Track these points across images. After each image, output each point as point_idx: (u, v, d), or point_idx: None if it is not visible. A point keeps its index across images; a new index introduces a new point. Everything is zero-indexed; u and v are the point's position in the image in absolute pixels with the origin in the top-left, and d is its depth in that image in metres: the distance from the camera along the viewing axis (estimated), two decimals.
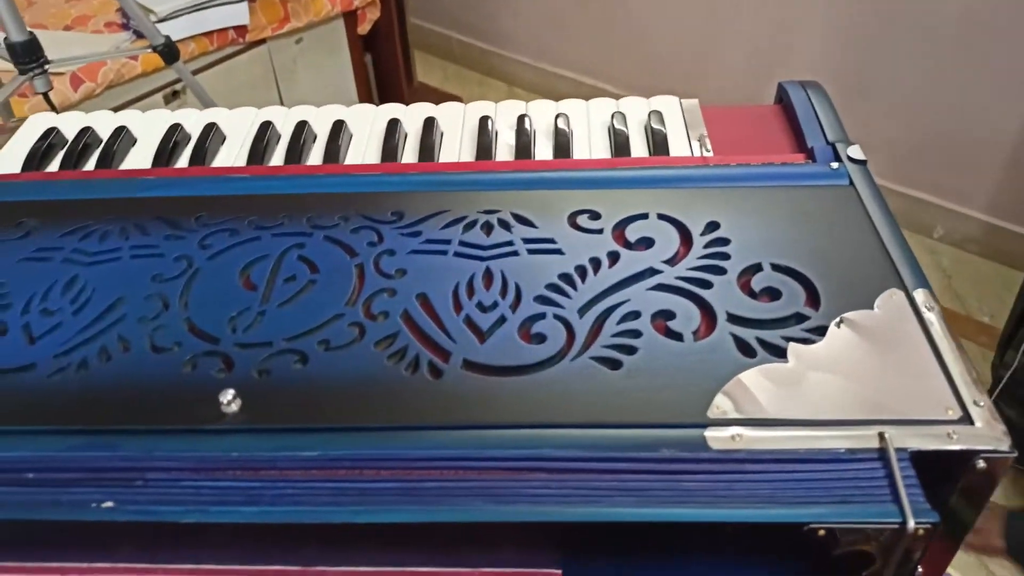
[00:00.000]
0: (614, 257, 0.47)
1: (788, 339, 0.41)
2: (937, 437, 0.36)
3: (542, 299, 0.44)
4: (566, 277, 0.45)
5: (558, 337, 0.42)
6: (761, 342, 0.41)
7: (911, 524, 0.33)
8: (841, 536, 0.34)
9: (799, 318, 0.42)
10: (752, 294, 0.44)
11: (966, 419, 0.37)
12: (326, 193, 0.53)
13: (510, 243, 0.48)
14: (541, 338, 0.42)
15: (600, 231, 0.49)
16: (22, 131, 0.64)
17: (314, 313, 0.44)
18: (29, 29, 1.09)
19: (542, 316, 0.43)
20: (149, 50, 1.41)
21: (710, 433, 0.37)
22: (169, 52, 1.39)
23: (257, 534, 0.37)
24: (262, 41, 1.60)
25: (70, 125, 0.63)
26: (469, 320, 0.43)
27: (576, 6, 1.79)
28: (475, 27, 2.04)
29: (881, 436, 0.36)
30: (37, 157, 0.60)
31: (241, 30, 1.57)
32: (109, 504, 0.36)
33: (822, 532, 0.34)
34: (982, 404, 0.38)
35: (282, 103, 1.37)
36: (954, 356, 0.40)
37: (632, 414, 0.38)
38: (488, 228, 0.49)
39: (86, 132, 0.62)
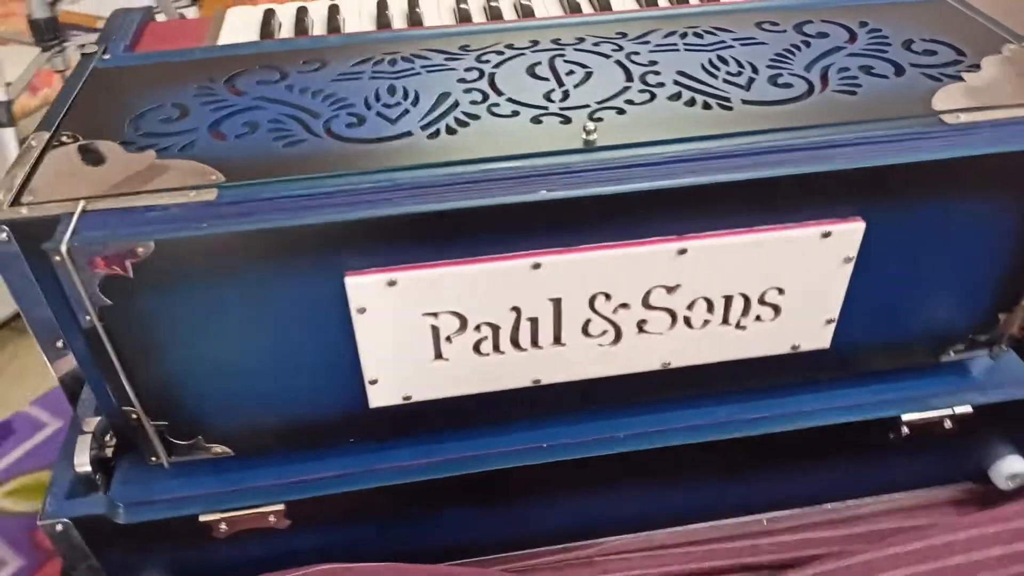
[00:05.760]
0: (805, 43, 0.62)
1: (959, 72, 0.57)
2: None
3: (771, 67, 0.58)
4: (778, 55, 0.60)
5: (800, 84, 0.56)
6: (942, 74, 0.57)
7: None
8: None
9: (956, 63, 0.59)
10: (916, 53, 0.60)
11: None
12: (553, 27, 0.65)
13: (723, 41, 0.62)
14: (788, 85, 0.56)
15: (784, 31, 0.63)
16: (230, 20, 0.72)
17: (607, 88, 0.57)
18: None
19: (780, 75, 0.58)
20: None
21: (943, 117, 0.52)
22: None
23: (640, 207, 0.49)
24: None
25: (284, 10, 0.72)
26: (727, 80, 0.57)
27: None
28: None
29: None
30: (271, 32, 0.69)
31: None
32: (544, 191, 0.47)
33: None
34: None
35: None
36: None
37: (875, 117, 0.53)
38: (698, 36, 0.63)
39: (304, 11, 0.71)
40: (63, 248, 0.44)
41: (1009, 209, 0.53)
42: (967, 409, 0.61)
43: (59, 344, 0.52)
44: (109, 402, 0.52)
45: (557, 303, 0.51)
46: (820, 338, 0.56)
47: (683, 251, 0.50)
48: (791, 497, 0.67)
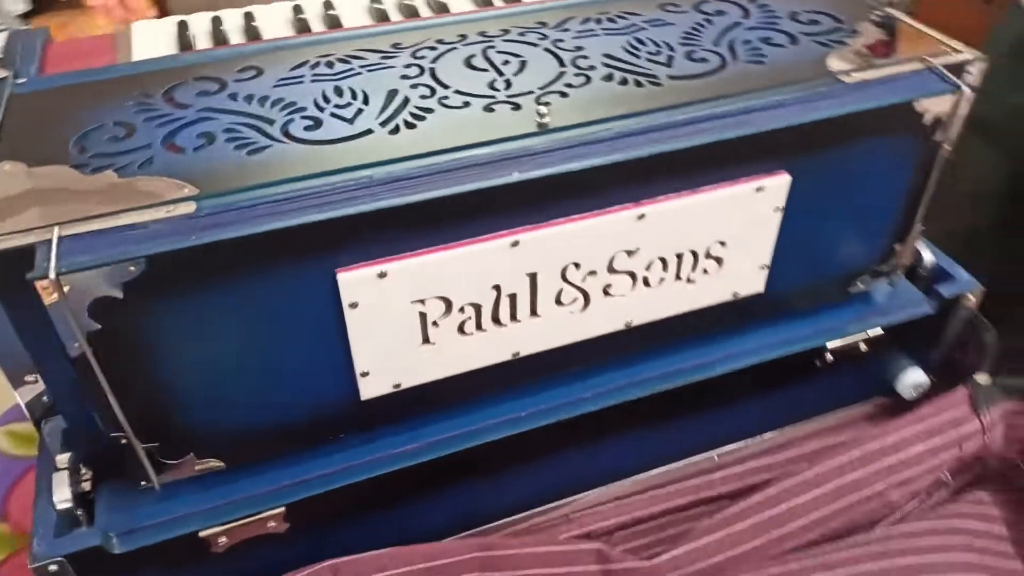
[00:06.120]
0: (708, 21, 0.68)
1: (841, 38, 0.65)
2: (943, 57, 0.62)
3: (684, 44, 0.64)
4: (687, 33, 0.66)
5: (714, 58, 0.62)
6: (829, 40, 0.65)
7: (966, 92, 0.59)
8: (929, 106, 0.59)
9: (838, 30, 0.67)
10: (803, 23, 0.68)
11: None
12: (474, 21, 0.68)
13: (634, 24, 0.67)
14: (704, 60, 0.62)
15: (686, 11, 0.70)
16: (139, 35, 0.70)
17: (544, 74, 0.60)
18: None
19: (694, 51, 0.63)
20: None
21: (840, 77, 0.60)
22: None
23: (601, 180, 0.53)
24: None
25: (197, 21, 0.71)
26: (649, 59, 0.62)
27: None
28: None
29: (925, 60, 0.62)
30: (189, 44, 0.68)
31: None
32: (516, 173, 0.51)
33: (920, 107, 0.59)
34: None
35: None
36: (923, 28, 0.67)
37: (786, 82, 0.60)
38: (611, 20, 0.68)
39: (218, 20, 0.70)
40: (51, 275, 0.43)
41: (899, 151, 0.62)
42: (877, 331, 0.70)
43: (30, 379, 0.50)
44: (94, 431, 0.50)
45: (533, 277, 0.55)
46: (756, 283, 0.63)
47: (641, 216, 0.55)
48: (735, 432, 0.74)
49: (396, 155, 0.52)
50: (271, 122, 0.55)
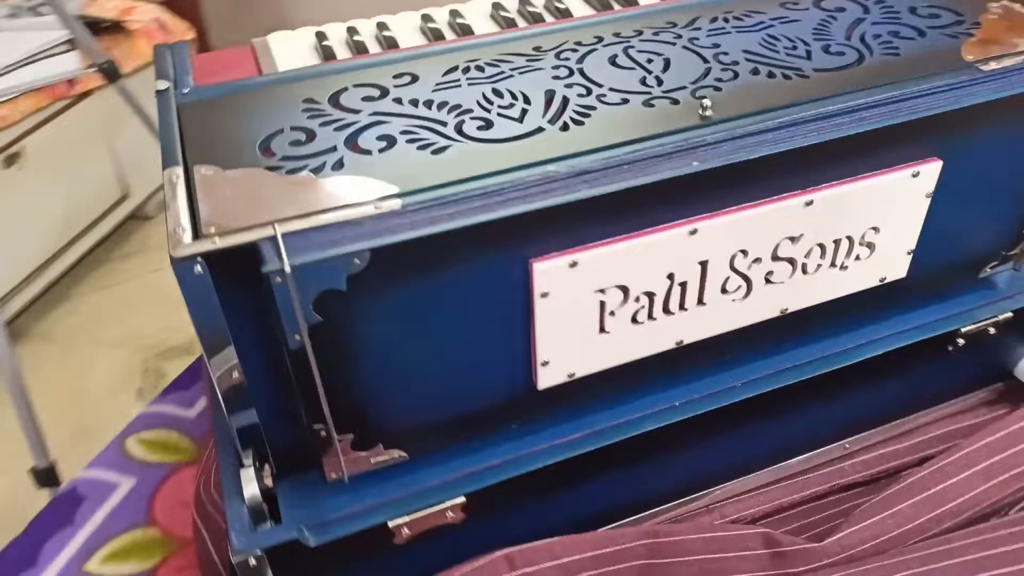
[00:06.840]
0: (832, 18, 0.70)
1: (967, 30, 0.67)
2: None
3: (817, 39, 0.66)
4: (816, 29, 0.68)
5: (851, 52, 0.64)
6: (956, 32, 0.67)
7: None
8: None
9: (959, 23, 0.69)
10: (924, 17, 0.70)
11: None
12: (604, 23, 0.70)
13: (762, 22, 0.69)
14: (841, 53, 0.64)
15: (807, 8, 0.72)
16: (277, 47, 0.73)
17: (691, 71, 0.62)
18: None
19: (829, 45, 0.65)
20: (91, 70, 1.41)
21: (978, 66, 0.62)
22: (112, 69, 1.40)
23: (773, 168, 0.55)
24: (89, 92, 1.62)
25: (333, 31, 0.74)
26: (788, 53, 0.64)
27: None
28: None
29: None
30: (331, 54, 0.70)
31: (72, 82, 1.56)
32: (695, 163, 0.52)
33: None
34: None
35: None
36: None
37: (928, 72, 0.62)
38: (739, 19, 0.70)
39: (354, 31, 0.73)
40: (286, 269, 0.44)
41: None
42: (1007, 316, 0.71)
43: (235, 374, 0.51)
44: (285, 424, 0.52)
45: (704, 265, 0.56)
46: (901, 268, 0.65)
47: (809, 203, 0.56)
48: (865, 420, 0.76)
49: (570, 151, 0.53)
50: (443, 123, 0.57)
